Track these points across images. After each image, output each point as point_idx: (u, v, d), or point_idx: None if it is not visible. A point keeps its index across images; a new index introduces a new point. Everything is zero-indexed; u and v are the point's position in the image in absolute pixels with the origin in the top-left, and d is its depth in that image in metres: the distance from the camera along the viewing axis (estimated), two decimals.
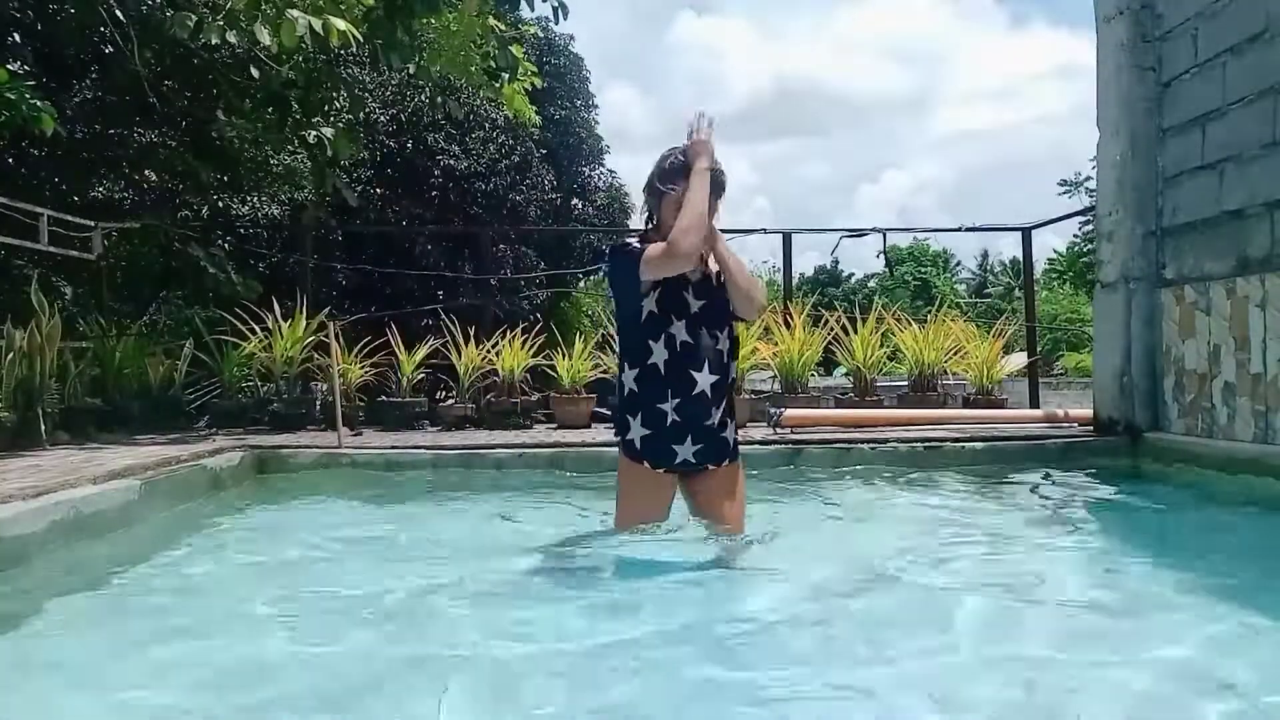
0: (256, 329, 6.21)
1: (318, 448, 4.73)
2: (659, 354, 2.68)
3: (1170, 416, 4.62)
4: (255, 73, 5.80)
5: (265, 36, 4.83)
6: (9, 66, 5.01)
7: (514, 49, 6.67)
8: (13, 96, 4.41)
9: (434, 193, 11.12)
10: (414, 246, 10.87)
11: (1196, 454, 4.18)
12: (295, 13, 4.74)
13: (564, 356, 6.20)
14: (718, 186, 2.69)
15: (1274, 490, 3.56)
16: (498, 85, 7.16)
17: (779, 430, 5.20)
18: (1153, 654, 1.94)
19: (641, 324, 2.71)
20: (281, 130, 6.22)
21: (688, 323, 2.69)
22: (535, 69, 7.35)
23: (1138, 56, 4.80)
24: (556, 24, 9.15)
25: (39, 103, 4.53)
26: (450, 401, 6.40)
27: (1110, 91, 4.92)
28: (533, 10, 6.13)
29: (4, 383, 4.64)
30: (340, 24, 4.80)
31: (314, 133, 6.12)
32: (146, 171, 7.77)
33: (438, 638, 2.07)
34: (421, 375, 6.50)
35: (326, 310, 6.63)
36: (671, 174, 2.66)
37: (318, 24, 4.73)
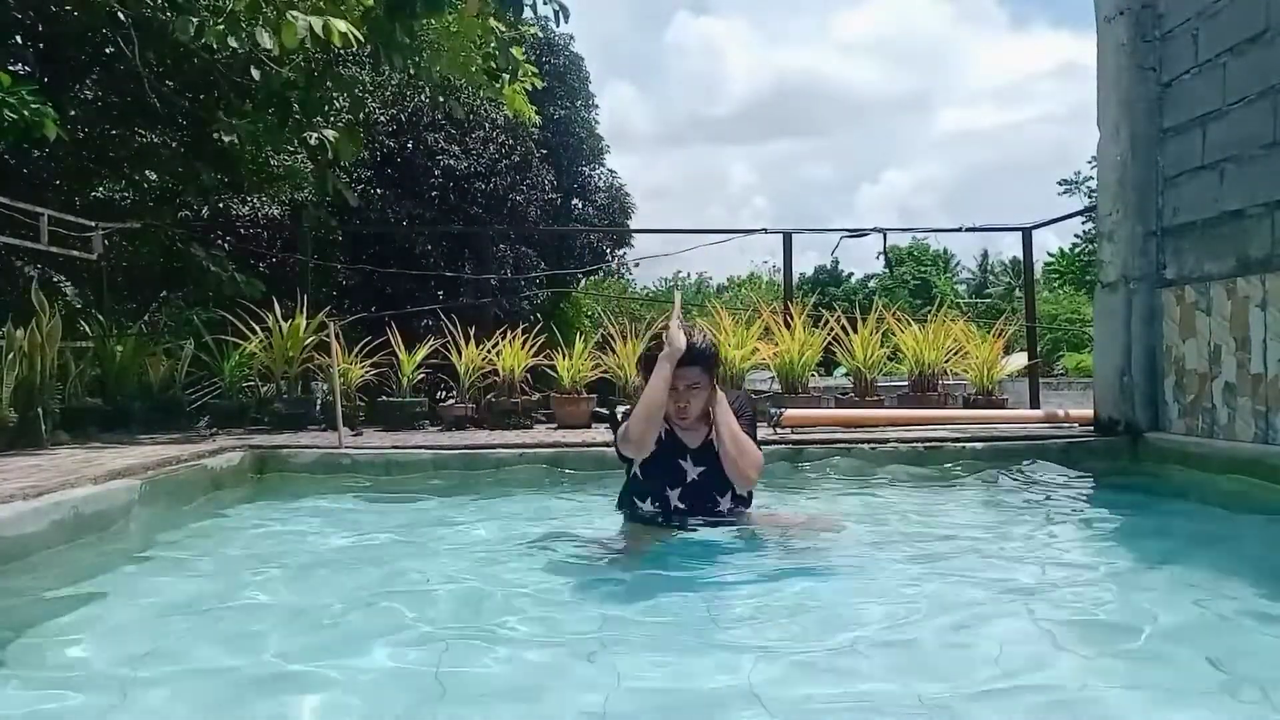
0: (257, 329, 6.21)
1: (318, 448, 4.73)
2: (648, 509, 2.86)
3: (1171, 416, 4.62)
4: (256, 74, 5.80)
5: (266, 39, 4.84)
6: (10, 69, 5.02)
7: (515, 51, 6.68)
8: (14, 101, 4.40)
9: (434, 193, 11.12)
10: (414, 246, 10.87)
11: (1197, 454, 4.19)
12: (296, 14, 4.74)
13: (564, 356, 6.20)
14: (708, 358, 2.79)
15: (1275, 491, 3.56)
16: (498, 86, 7.17)
17: (779, 430, 5.21)
18: (1151, 654, 1.94)
19: (630, 481, 2.90)
20: (282, 131, 6.22)
21: (682, 491, 2.82)
22: (536, 70, 7.34)
23: (1138, 56, 4.81)
24: (558, 26, 9.16)
25: (41, 107, 4.53)
26: (450, 401, 6.40)
27: (1110, 92, 4.92)
28: (535, 13, 6.14)
29: (5, 383, 4.64)
30: (341, 25, 4.81)
31: (315, 135, 6.12)
32: (147, 172, 7.77)
33: (440, 636, 2.07)
34: (422, 375, 6.50)
35: (327, 310, 6.63)
36: (648, 362, 2.84)
37: (318, 25, 4.74)
